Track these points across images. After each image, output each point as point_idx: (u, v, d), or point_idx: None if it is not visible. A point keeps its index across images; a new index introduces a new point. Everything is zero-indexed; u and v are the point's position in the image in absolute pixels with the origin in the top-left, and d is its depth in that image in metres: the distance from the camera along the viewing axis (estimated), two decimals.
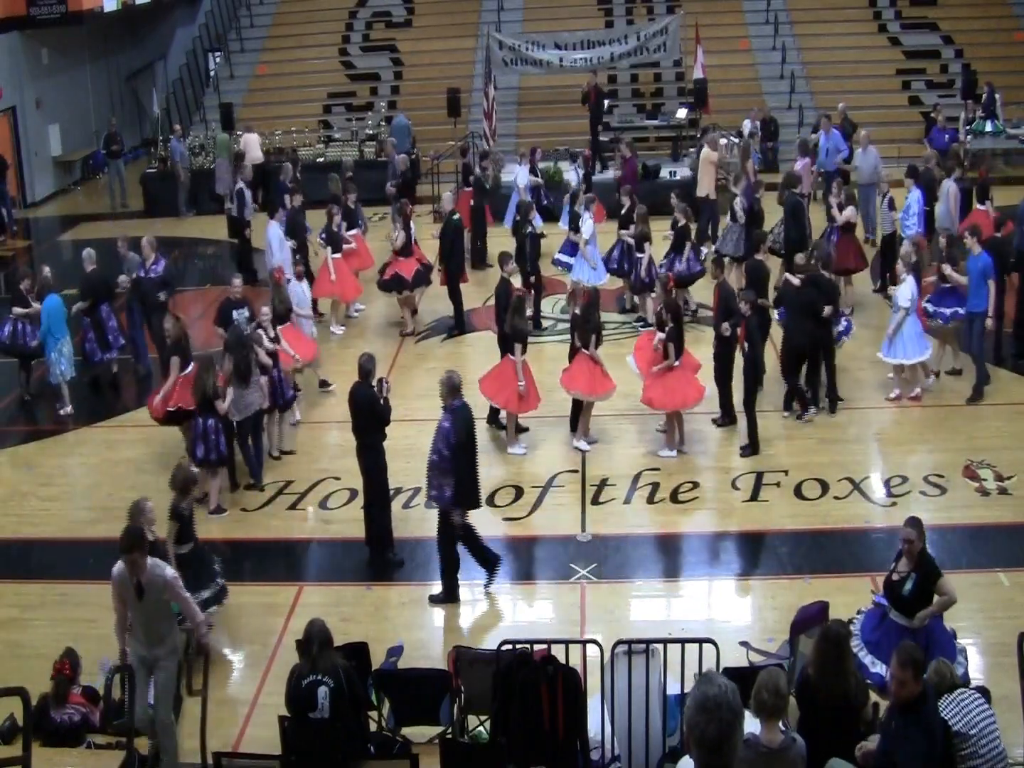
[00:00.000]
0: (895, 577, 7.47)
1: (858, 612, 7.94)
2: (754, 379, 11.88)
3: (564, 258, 16.20)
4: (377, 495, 10.27)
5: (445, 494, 9.37)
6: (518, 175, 18.38)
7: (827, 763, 6.06)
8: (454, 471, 9.32)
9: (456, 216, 15.48)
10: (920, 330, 12.42)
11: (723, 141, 20.20)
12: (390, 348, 15.11)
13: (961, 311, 12.59)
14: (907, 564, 7.44)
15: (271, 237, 14.95)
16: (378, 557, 10.30)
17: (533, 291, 15.08)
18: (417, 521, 10.91)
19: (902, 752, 5.70)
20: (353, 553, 10.61)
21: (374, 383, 10.10)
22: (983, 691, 6.58)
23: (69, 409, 13.57)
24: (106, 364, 14.28)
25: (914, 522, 7.48)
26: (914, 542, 7.36)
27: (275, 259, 14.85)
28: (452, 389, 9.49)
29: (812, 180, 17.78)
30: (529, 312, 13.43)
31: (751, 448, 11.72)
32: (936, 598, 7.37)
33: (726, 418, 12.28)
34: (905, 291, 12.15)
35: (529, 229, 15.66)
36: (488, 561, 9.75)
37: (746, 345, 11.61)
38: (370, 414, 10.07)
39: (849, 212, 14.98)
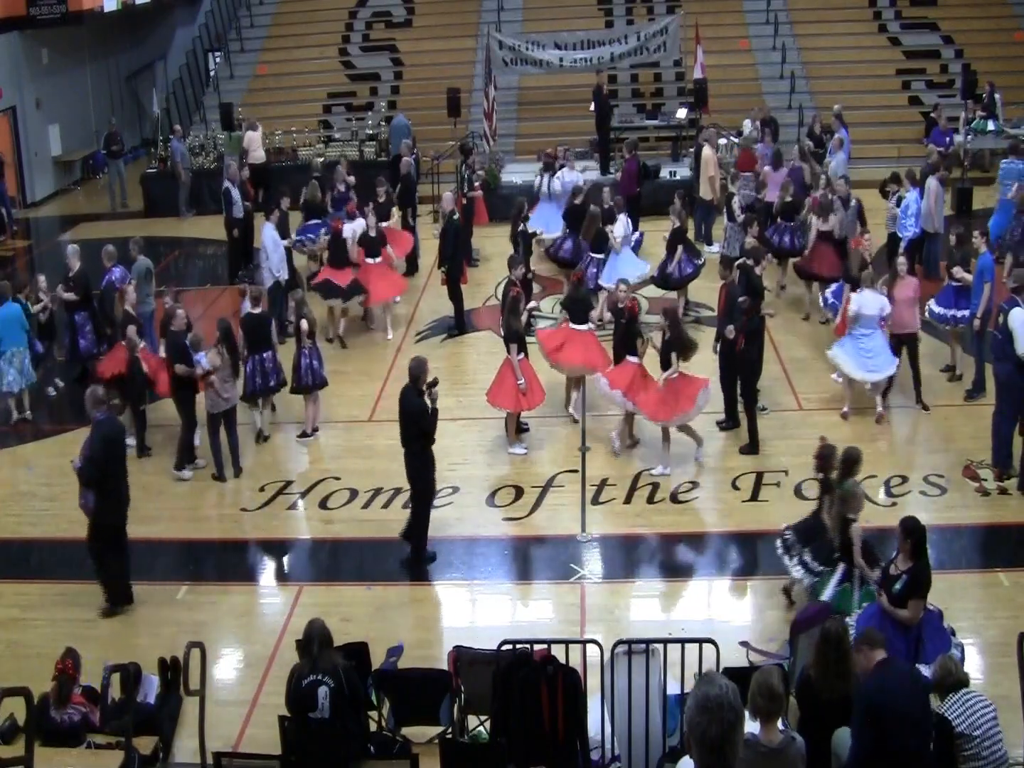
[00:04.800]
0: (892, 571, 7.57)
1: (857, 611, 7.97)
2: (754, 379, 11.85)
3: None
4: (420, 497, 10.25)
5: (89, 502, 9.48)
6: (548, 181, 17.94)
7: (835, 732, 6.09)
8: (93, 483, 9.39)
9: (456, 216, 15.48)
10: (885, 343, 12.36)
11: (722, 141, 20.22)
12: (389, 348, 15.11)
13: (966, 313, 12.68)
14: (903, 563, 7.49)
15: (265, 238, 14.95)
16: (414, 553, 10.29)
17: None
18: None
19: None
20: (353, 553, 10.63)
21: (425, 389, 9.90)
22: None
23: (28, 414, 13.60)
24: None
25: (901, 524, 7.60)
26: (903, 541, 7.51)
27: (270, 260, 14.89)
28: (96, 401, 9.57)
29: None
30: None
31: (751, 447, 11.72)
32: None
33: (729, 421, 12.27)
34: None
35: (520, 227, 15.65)
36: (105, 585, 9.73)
37: (742, 347, 11.56)
38: (414, 424, 9.93)
39: (833, 220, 14.96)
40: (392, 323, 15.60)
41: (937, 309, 12.99)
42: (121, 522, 9.60)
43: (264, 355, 12.43)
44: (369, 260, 15.34)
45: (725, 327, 11.89)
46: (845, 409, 12.45)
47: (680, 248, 15.06)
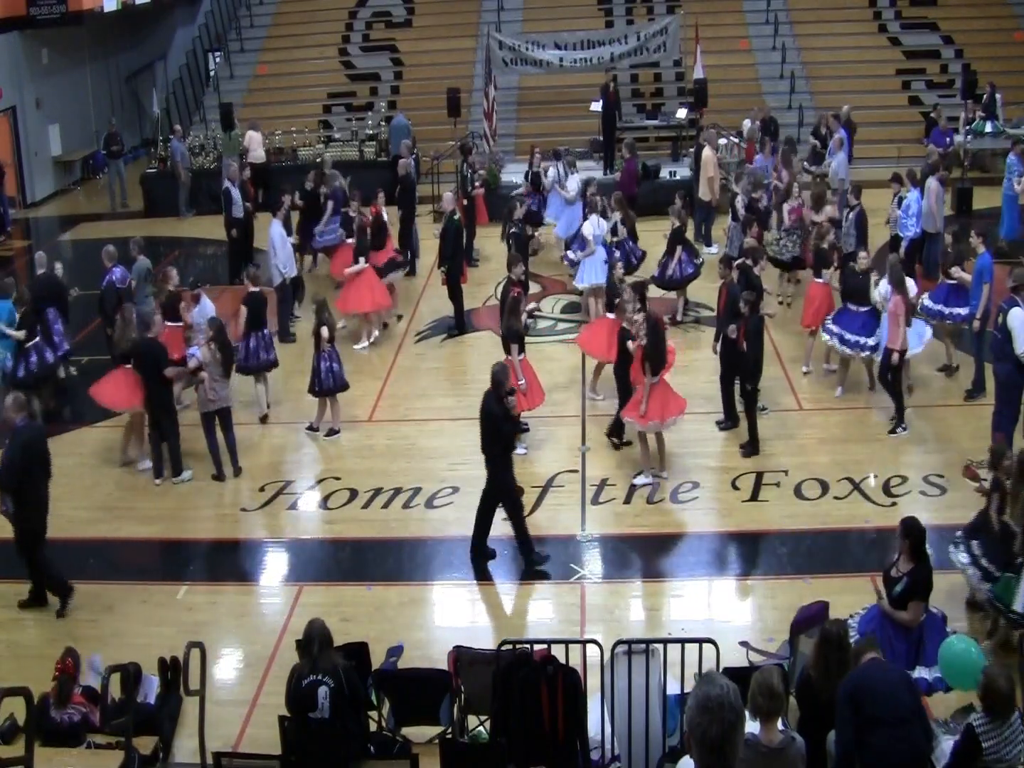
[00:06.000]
0: (893, 573, 7.56)
1: (860, 610, 7.98)
2: (754, 380, 11.84)
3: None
4: (510, 506, 10.07)
5: (8, 508, 9.44)
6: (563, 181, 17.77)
7: (829, 733, 6.09)
8: (10, 490, 9.33)
9: (456, 216, 15.46)
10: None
11: (722, 141, 20.22)
12: (389, 348, 15.11)
13: (962, 312, 12.69)
14: (905, 563, 7.48)
15: (273, 235, 15.00)
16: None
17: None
18: (417, 521, 10.92)
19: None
20: (353, 553, 10.62)
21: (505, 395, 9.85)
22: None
23: None
24: (54, 364, 13.93)
25: (902, 524, 7.61)
26: (902, 541, 7.50)
27: (278, 257, 14.95)
28: (18, 407, 9.48)
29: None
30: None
31: (751, 447, 11.72)
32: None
33: (728, 421, 12.27)
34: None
35: (513, 229, 15.63)
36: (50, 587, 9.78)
37: (745, 345, 11.53)
38: (491, 427, 9.84)
39: (829, 211, 15.09)
40: (368, 334, 15.16)
41: (929, 304, 13.00)
42: (41, 528, 9.55)
43: (264, 332, 13.14)
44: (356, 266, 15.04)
45: (725, 327, 11.89)
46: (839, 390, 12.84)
47: (680, 248, 15.04)
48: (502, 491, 10.00)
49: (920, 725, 6.07)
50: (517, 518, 10.07)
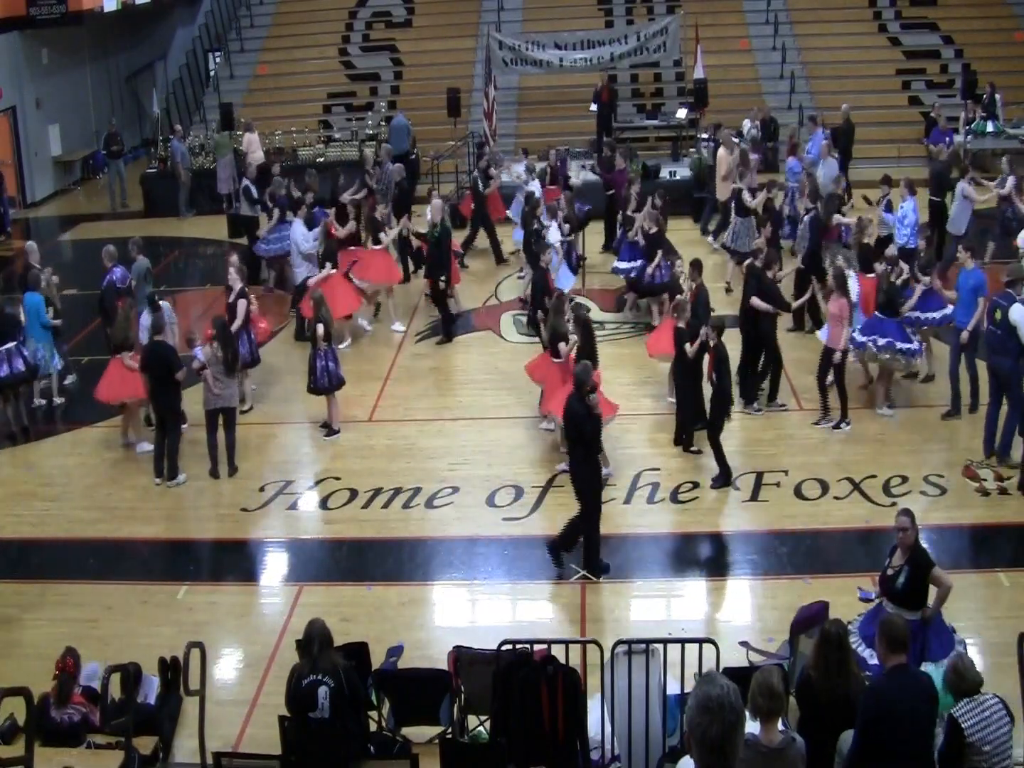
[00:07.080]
0: (889, 572, 7.55)
1: (859, 615, 7.97)
2: (722, 410, 11.27)
3: (622, 265, 15.74)
4: (586, 510, 9.89)
5: None
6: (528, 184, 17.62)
7: (842, 734, 6.02)
8: None
9: (447, 224, 15.34)
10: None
11: None
12: (389, 348, 15.11)
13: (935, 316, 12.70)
14: (901, 557, 7.48)
15: (295, 234, 15.06)
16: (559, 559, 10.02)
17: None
18: (417, 521, 10.92)
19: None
20: (353, 553, 10.62)
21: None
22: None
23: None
24: (25, 372, 13.37)
25: (907, 512, 7.61)
26: (907, 530, 7.47)
27: (306, 246, 15.02)
28: None
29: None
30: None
31: (722, 479, 11.19)
32: (934, 591, 7.40)
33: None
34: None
35: (536, 227, 15.56)
36: None
37: (715, 376, 11.16)
38: (575, 429, 9.72)
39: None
40: (350, 333, 15.22)
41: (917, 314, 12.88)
42: None
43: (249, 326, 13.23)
44: (327, 268, 14.73)
45: (683, 337, 11.58)
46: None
47: (659, 253, 14.66)
48: (584, 491, 9.82)
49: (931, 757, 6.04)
50: (578, 525, 9.86)
